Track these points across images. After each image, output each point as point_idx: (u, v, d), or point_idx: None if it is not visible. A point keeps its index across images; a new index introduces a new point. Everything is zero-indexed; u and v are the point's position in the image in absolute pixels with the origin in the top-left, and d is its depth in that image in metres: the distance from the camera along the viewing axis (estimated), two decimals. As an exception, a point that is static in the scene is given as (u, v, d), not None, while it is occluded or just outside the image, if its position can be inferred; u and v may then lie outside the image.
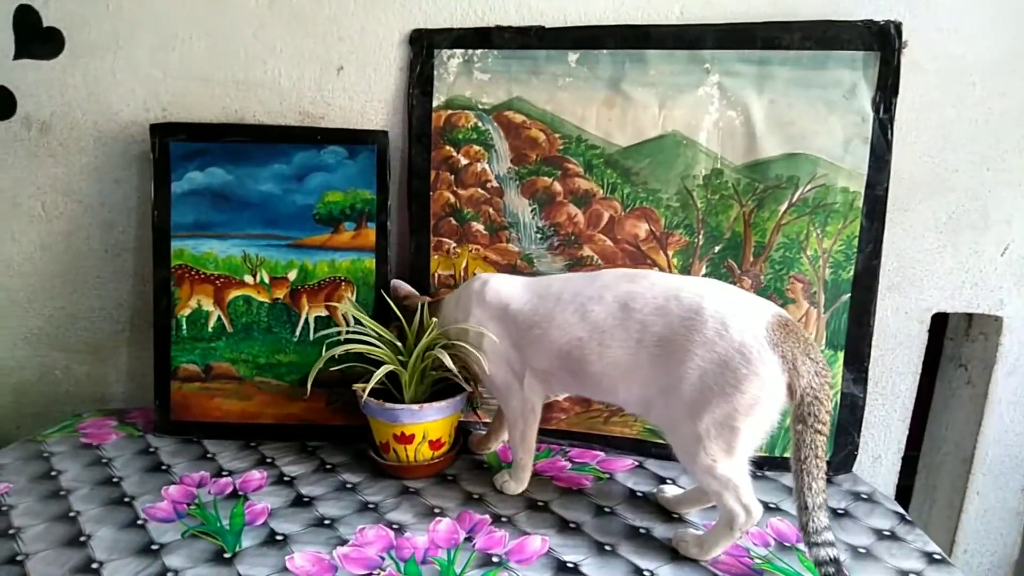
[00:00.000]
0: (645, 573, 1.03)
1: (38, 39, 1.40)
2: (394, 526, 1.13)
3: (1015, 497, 1.45)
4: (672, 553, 1.08)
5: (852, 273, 1.27)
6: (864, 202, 1.25)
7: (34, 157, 1.47)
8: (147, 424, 1.43)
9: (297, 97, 1.39)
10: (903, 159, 1.28)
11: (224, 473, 1.27)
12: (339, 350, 1.19)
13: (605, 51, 1.28)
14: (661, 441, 1.33)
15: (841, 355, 1.29)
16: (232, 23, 1.37)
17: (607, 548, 1.09)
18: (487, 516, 1.16)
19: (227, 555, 1.05)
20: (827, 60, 1.24)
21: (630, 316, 1.06)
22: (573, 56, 1.29)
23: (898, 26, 1.21)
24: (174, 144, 1.37)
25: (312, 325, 1.38)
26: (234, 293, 1.38)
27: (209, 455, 1.33)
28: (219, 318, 1.39)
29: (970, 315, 1.43)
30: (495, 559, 1.06)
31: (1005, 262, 1.33)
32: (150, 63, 1.40)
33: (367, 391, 1.19)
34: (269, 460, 1.32)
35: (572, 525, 1.15)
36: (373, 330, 1.24)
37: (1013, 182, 1.29)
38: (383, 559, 1.05)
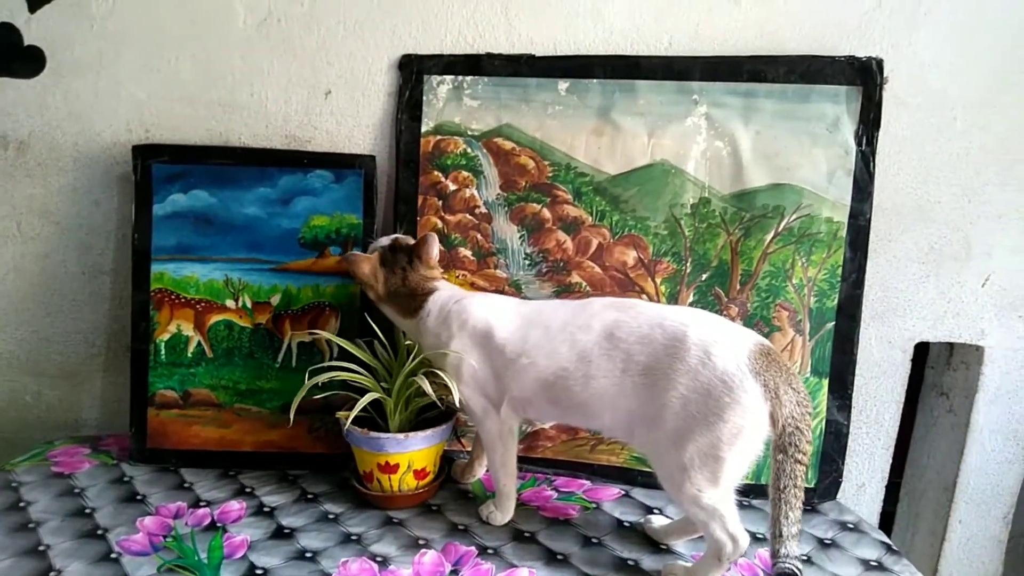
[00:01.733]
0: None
1: (19, 57, 1.38)
2: (378, 559, 1.10)
3: (997, 525, 1.46)
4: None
5: (836, 302, 1.28)
6: (848, 232, 1.27)
7: (10, 177, 1.43)
8: (121, 452, 1.39)
9: (283, 120, 1.38)
10: (886, 190, 1.30)
11: (202, 504, 1.23)
12: (323, 378, 1.17)
13: (595, 80, 1.29)
14: (647, 469, 1.32)
15: (826, 382, 1.29)
16: (218, 45, 1.36)
17: (595, 581, 1.08)
18: (473, 548, 1.14)
19: (205, 590, 1.02)
20: (811, 94, 1.26)
21: (616, 345, 1.06)
22: (563, 84, 1.30)
23: (879, 62, 1.24)
24: (157, 166, 1.35)
25: (295, 351, 1.36)
26: (215, 318, 1.35)
27: (186, 484, 1.29)
28: (199, 343, 1.36)
29: (951, 344, 1.44)
30: (480, 594, 1.04)
31: (986, 293, 1.35)
32: (134, 84, 1.38)
33: (350, 419, 1.16)
34: (248, 490, 1.28)
35: (559, 557, 1.13)
36: (358, 356, 1.22)
37: (993, 214, 1.32)
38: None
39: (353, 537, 1.16)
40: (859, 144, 1.25)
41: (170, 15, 1.35)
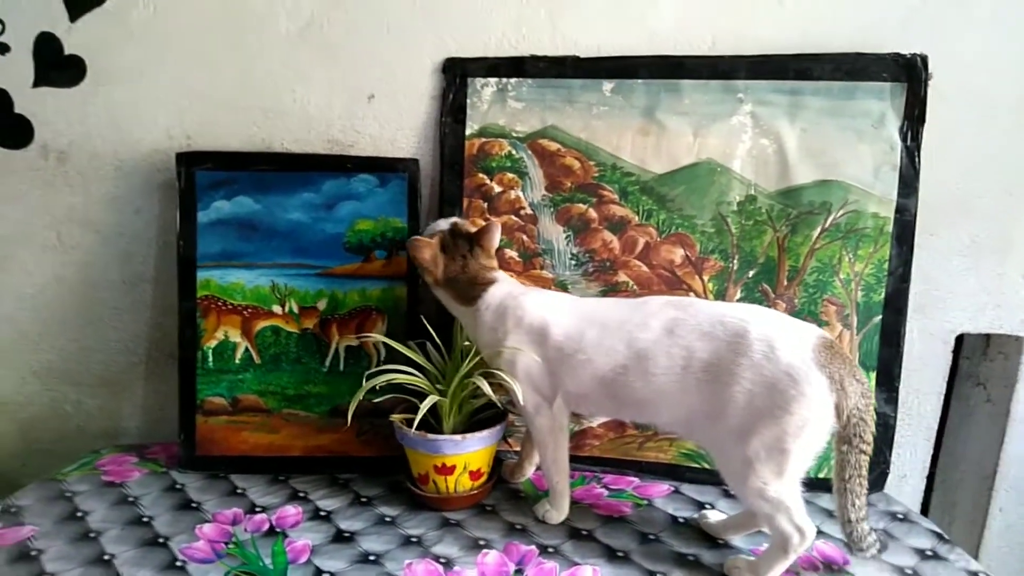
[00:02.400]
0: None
1: (59, 67, 1.37)
2: (441, 560, 1.11)
3: (1037, 514, 1.48)
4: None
5: (883, 296, 1.29)
6: (894, 227, 1.28)
7: (50, 187, 1.43)
8: (169, 459, 1.39)
9: (326, 125, 1.38)
10: (929, 185, 1.31)
11: (257, 509, 1.23)
12: (379, 380, 1.17)
13: (639, 80, 1.30)
14: (696, 466, 1.34)
15: (873, 376, 1.31)
16: (260, 51, 1.35)
17: (660, 577, 1.09)
18: (533, 547, 1.14)
19: (275, 595, 1.02)
20: (856, 91, 1.27)
21: (676, 343, 1.07)
22: (608, 85, 1.31)
23: (924, 58, 1.25)
24: (200, 173, 1.34)
25: (343, 355, 1.36)
26: (262, 324, 1.36)
27: (239, 491, 1.29)
28: (246, 349, 1.36)
29: (988, 336, 1.46)
30: (550, 594, 1.05)
31: (1026, 284, 1.36)
32: (175, 91, 1.38)
33: (415, 423, 1.17)
34: (302, 494, 1.28)
35: (620, 554, 1.14)
36: (412, 359, 1.22)
37: (1033, 208, 1.33)
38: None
39: (413, 539, 1.16)
40: (904, 140, 1.26)
41: (211, 22, 1.35)
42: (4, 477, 1.53)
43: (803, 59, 1.27)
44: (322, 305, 1.36)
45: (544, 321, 1.16)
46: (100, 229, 1.44)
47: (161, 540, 1.14)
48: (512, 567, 1.10)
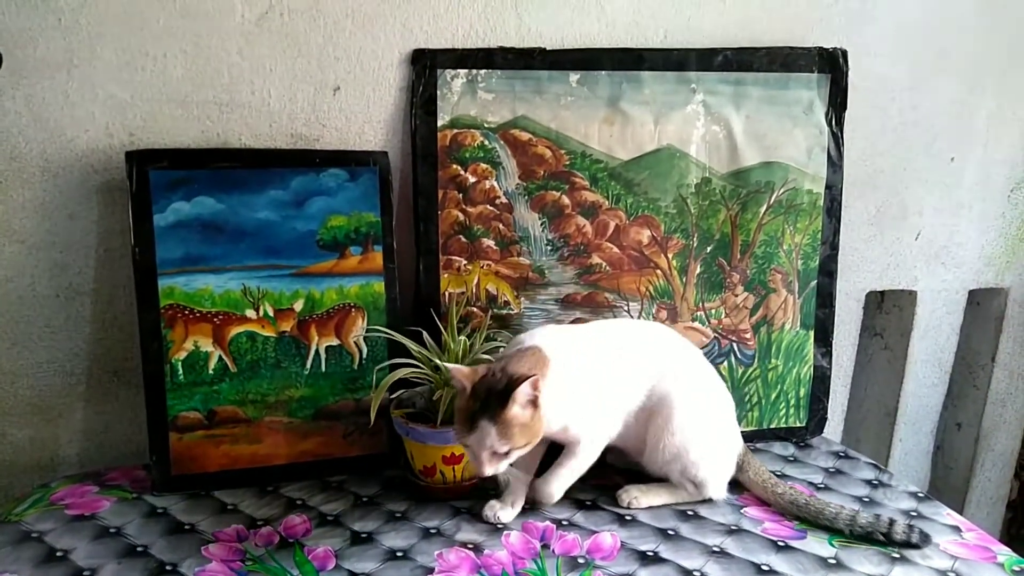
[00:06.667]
0: (714, 549, 1.14)
1: (-35, 56, 1.21)
2: (469, 546, 1.13)
3: (927, 439, 1.76)
4: (726, 531, 1.19)
5: (817, 263, 1.47)
6: (824, 201, 1.46)
7: (-41, 193, 1.25)
8: (134, 484, 1.28)
9: (289, 119, 1.32)
10: (845, 163, 1.50)
11: (259, 523, 1.18)
12: (396, 375, 1.17)
13: (603, 72, 1.37)
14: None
15: (812, 334, 1.49)
16: (213, 41, 1.27)
17: (670, 533, 1.18)
18: (549, 523, 1.20)
19: (318, 603, 1.00)
20: (789, 81, 1.43)
21: None
22: (574, 77, 1.37)
23: (844, 52, 1.43)
24: (155, 172, 1.24)
25: (324, 356, 1.32)
26: (236, 330, 1.29)
27: (229, 507, 1.23)
28: (220, 358, 1.28)
29: (883, 292, 1.70)
30: (580, 560, 1.11)
31: (918, 246, 1.61)
32: (113, 84, 1.26)
33: (442, 414, 1.17)
34: (299, 502, 1.24)
35: (628, 517, 1.22)
36: (417, 352, 1.22)
37: (922, 179, 1.57)
38: (481, 579, 1.05)
39: (432, 531, 1.17)
40: (830, 125, 1.44)
41: (155, 8, 1.24)
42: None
43: (744, 52, 1.41)
44: (298, 306, 1.31)
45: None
46: (25, 239, 1.29)
47: (169, 567, 1.06)
48: (538, 544, 1.14)
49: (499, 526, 1.18)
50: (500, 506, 1.20)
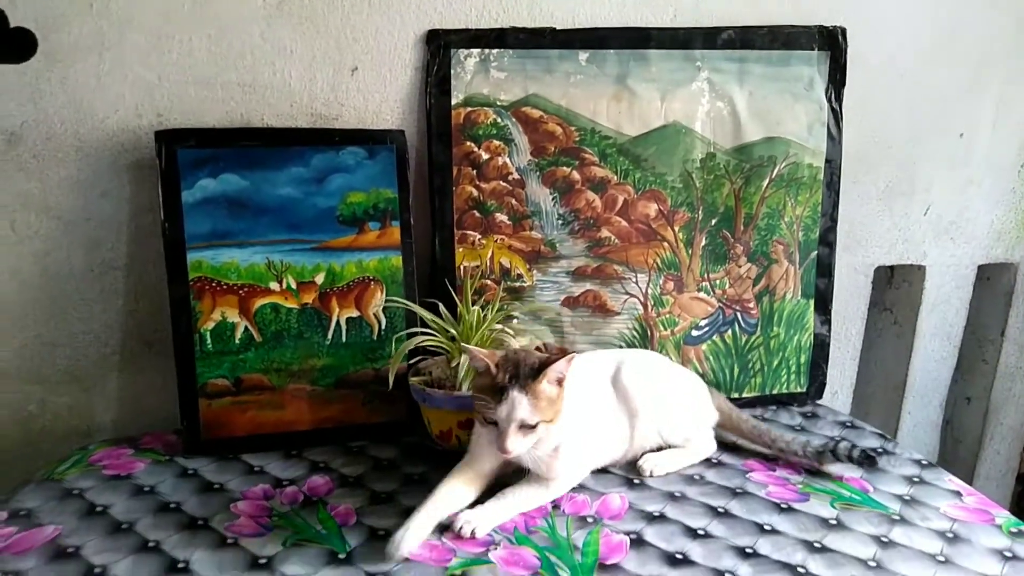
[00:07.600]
0: (718, 510, 1.18)
1: (3, 41, 1.27)
2: (482, 505, 1.18)
3: (935, 412, 1.78)
4: (731, 493, 1.23)
5: (818, 234, 1.51)
6: (824, 175, 1.49)
7: (0, 172, 1.32)
8: (167, 448, 1.35)
9: (309, 99, 1.38)
10: (852, 139, 1.53)
11: (285, 483, 1.25)
12: (413, 343, 1.22)
13: (612, 51, 1.41)
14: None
15: (812, 302, 1.53)
16: (237, 23, 1.33)
17: (676, 495, 1.23)
18: (561, 485, 1.24)
19: (341, 556, 1.06)
20: (790, 58, 1.46)
21: None
22: (583, 55, 1.41)
23: (844, 31, 1.46)
24: (183, 151, 1.30)
25: (344, 327, 1.38)
26: (260, 302, 1.35)
27: (256, 468, 1.29)
28: (246, 328, 1.34)
29: (892, 267, 1.72)
30: (590, 519, 1.16)
31: (927, 221, 1.63)
32: (142, 66, 1.32)
33: (461, 385, 1.23)
34: (322, 464, 1.30)
35: (636, 481, 1.27)
36: (432, 322, 1.28)
37: (931, 155, 1.59)
38: (492, 536, 1.10)
39: (448, 491, 1.22)
40: (829, 101, 1.48)
41: (180, -7, 1.30)
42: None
43: (747, 30, 1.44)
44: (320, 279, 1.37)
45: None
46: (61, 215, 1.36)
47: (200, 522, 1.13)
48: (549, 505, 1.19)
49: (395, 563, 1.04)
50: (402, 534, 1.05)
